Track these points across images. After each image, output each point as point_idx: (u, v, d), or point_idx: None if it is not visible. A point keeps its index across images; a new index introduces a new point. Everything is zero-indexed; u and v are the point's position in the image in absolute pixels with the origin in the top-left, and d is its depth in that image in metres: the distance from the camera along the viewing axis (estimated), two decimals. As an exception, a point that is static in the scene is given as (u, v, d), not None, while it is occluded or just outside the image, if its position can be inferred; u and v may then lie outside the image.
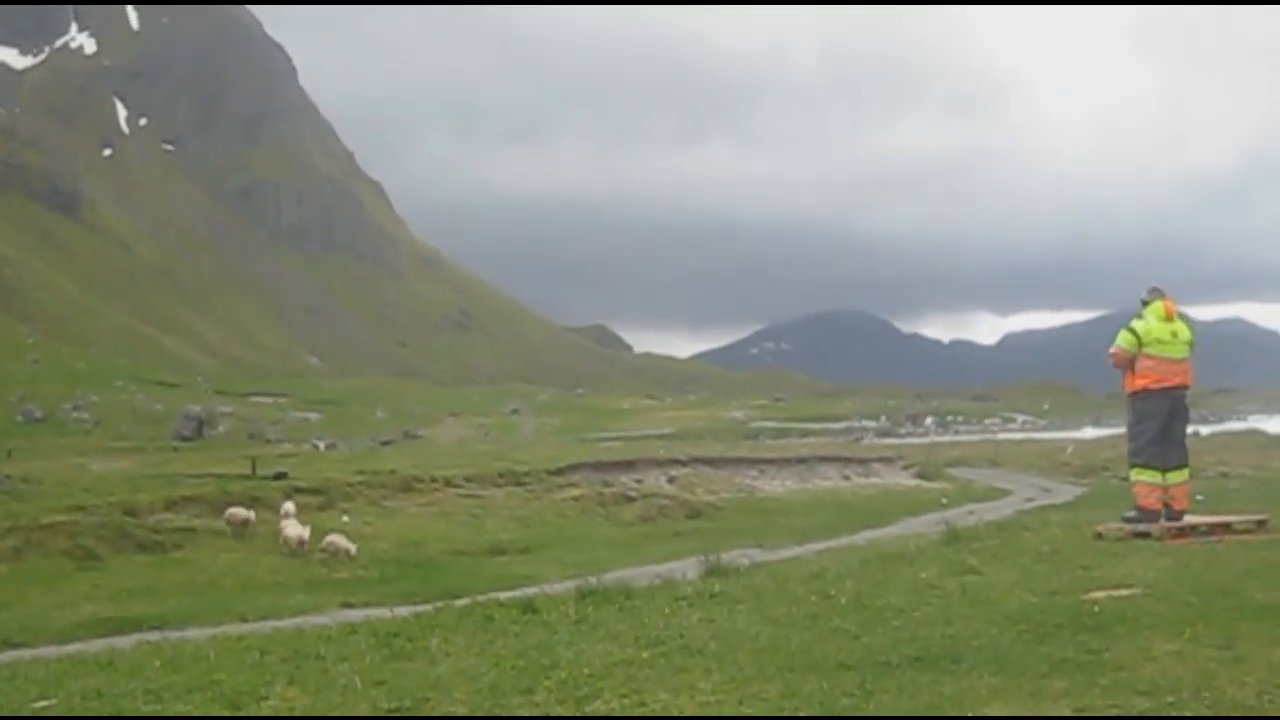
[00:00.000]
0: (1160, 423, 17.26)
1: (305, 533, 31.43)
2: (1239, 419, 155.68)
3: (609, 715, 7.78)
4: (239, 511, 31.83)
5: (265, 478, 42.82)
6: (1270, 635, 8.88)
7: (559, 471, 48.24)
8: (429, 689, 8.86)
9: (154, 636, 16.03)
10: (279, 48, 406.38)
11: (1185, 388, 17.57)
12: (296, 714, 8.39)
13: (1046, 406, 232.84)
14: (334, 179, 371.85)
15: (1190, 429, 18.44)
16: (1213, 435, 79.92)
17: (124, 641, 15.69)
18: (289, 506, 35.08)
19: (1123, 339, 17.36)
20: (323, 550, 30.89)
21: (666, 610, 12.21)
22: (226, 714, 8.48)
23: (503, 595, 16.13)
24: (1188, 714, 6.95)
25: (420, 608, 15.77)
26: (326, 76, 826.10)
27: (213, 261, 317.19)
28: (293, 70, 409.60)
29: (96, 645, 15.95)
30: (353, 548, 30.88)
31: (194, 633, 16.44)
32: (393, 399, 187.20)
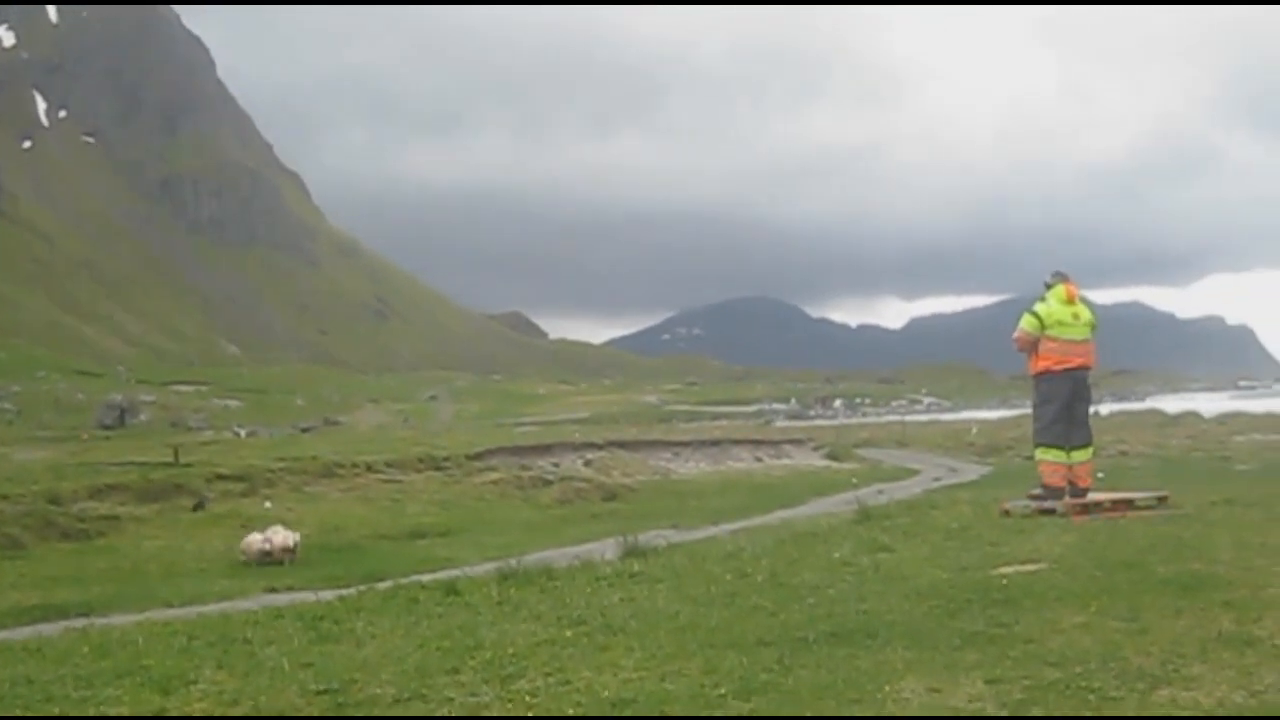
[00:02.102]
0: (1063, 403, 17.45)
1: (290, 538, 29.44)
2: (1137, 399, 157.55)
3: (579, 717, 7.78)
4: (255, 539, 29.41)
5: (187, 464, 42.46)
6: (1172, 607, 9.01)
7: (478, 456, 48.11)
8: (356, 670, 8.83)
9: (81, 623, 15.82)
10: (197, 40, 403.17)
11: (1087, 369, 17.76)
12: (226, 697, 8.35)
13: (956, 386, 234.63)
14: (252, 170, 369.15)
15: (1091, 409, 18.64)
16: (1112, 415, 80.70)
17: (51, 628, 15.51)
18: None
19: (1026, 322, 17.53)
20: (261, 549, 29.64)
21: (587, 590, 12.24)
22: (156, 698, 8.42)
23: (425, 578, 16.08)
24: (1095, 683, 7.03)
25: (344, 591, 15.70)
26: (245, 69, 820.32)
27: (133, 252, 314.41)
28: (211, 63, 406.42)
29: (23, 633, 15.76)
30: (292, 538, 29.35)
31: (120, 619, 16.28)
32: (312, 386, 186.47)
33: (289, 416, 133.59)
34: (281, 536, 27.80)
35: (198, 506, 35.74)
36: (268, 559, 26.83)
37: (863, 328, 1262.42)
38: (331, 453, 46.49)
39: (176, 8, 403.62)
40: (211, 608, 16.82)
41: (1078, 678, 7.20)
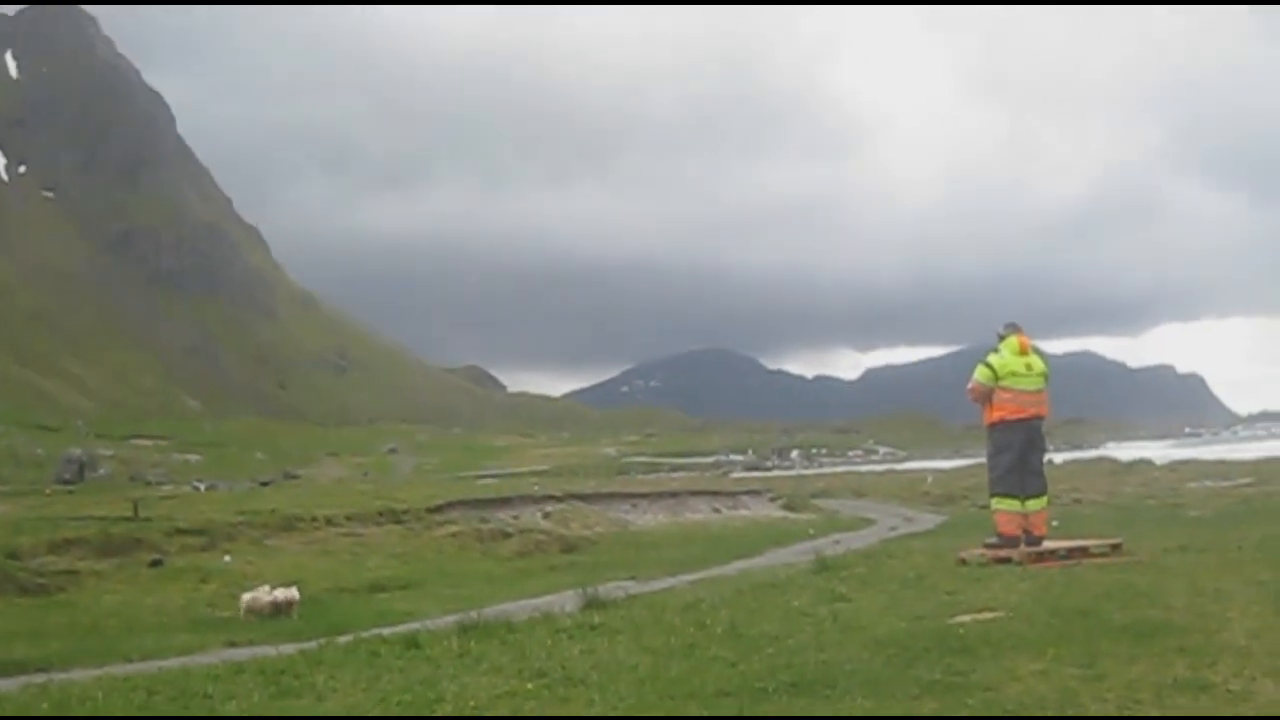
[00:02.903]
0: (1017, 452, 17.56)
1: (287, 594, 28.60)
2: (1090, 447, 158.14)
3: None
4: (260, 598, 28.42)
5: (147, 519, 42.16)
6: (1128, 653, 9.05)
7: (437, 509, 47.91)
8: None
9: (40, 679, 15.67)
10: (157, 95, 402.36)
11: (1041, 418, 17.88)
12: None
13: (908, 436, 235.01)
14: (211, 224, 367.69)
15: (1046, 457, 18.72)
16: (1065, 463, 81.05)
17: (9, 684, 15.36)
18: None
19: (979, 373, 17.64)
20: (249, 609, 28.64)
21: (548, 642, 12.21)
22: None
23: (386, 631, 16.04)
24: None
25: (305, 645, 15.60)
26: (205, 123, 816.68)
27: (92, 306, 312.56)
28: (171, 117, 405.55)
29: (-18, 688, 15.63)
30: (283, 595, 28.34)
31: (79, 674, 16.11)
32: (272, 440, 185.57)
33: (248, 470, 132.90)
34: (286, 592, 27.55)
35: (155, 563, 35.44)
36: (278, 612, 26.56)
37: (818, 379, 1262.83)
38: (291, 506, 46.25)
39: (136, 62, 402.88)
40: (172, 663, 16.70)
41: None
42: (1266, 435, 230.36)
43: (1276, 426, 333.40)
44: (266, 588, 27.62)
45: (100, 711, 10.46)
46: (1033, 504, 17.68)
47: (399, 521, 45.40)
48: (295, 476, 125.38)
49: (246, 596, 27.59)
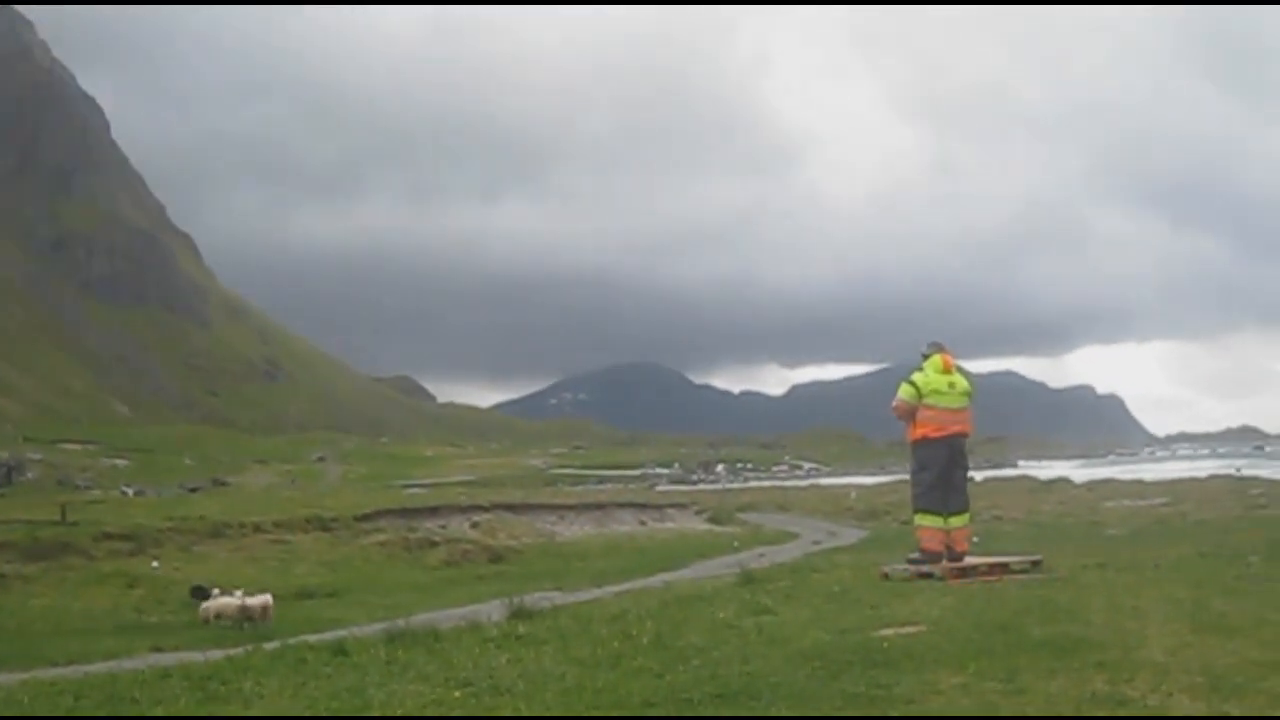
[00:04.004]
0: (940, 469, 17.62)
1: (260, 601, 27.96)
2: (1010, 466, 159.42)
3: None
4: (229, 603, 27.39)
5: (75, 523, 41.78)
6: (1048, 668, 9.08)
7: (365, 517, 47.78)
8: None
9: (-36, 682, 15.50)
10: (92, 101, 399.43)
11: (964, 436, 17.95)
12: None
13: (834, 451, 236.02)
14: (144, 231, 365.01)
15: (968, 475, 18.81)
16: (986, 481, 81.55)
17: (-66, 687, 15.19)
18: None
19: (904, 391, 17.71)
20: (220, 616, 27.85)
21: (475, 651, 12.14)
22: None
23: (313, 638, 15.90)
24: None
25: (232, 651, 15.46)
26: (139, 129, 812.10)
27: (23, 311, 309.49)
28: (105, 124, 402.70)
29: (-94, 691, 15.42)
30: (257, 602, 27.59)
31: (5, 678, 15.92)
32: (201, 447, 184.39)
33: (177, 476, 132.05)
34: (259, 599, 27.10)
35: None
36: (248, 619, 26.10)
37: (745, 394, 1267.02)
38: (219, 513, 45.97)
39: (72, 67, 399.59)
40: (98, 667, 16.52)
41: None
42: (1183, 456, 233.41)
43: (1193, 448, 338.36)
44: (240, 593, 27.25)
45: (26, 715, 10.34)
46: (955, 520, 17.75)
47: (327, 529, 45.23)
48: (224, 483, 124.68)
49: (213, 603, 27.23)
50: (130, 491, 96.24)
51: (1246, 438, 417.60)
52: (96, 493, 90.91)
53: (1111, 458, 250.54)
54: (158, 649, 21.95)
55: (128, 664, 17.07)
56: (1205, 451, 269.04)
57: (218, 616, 26.46)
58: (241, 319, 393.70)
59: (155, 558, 37.57)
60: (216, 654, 15.24)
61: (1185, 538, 28.63)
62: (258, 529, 43.28)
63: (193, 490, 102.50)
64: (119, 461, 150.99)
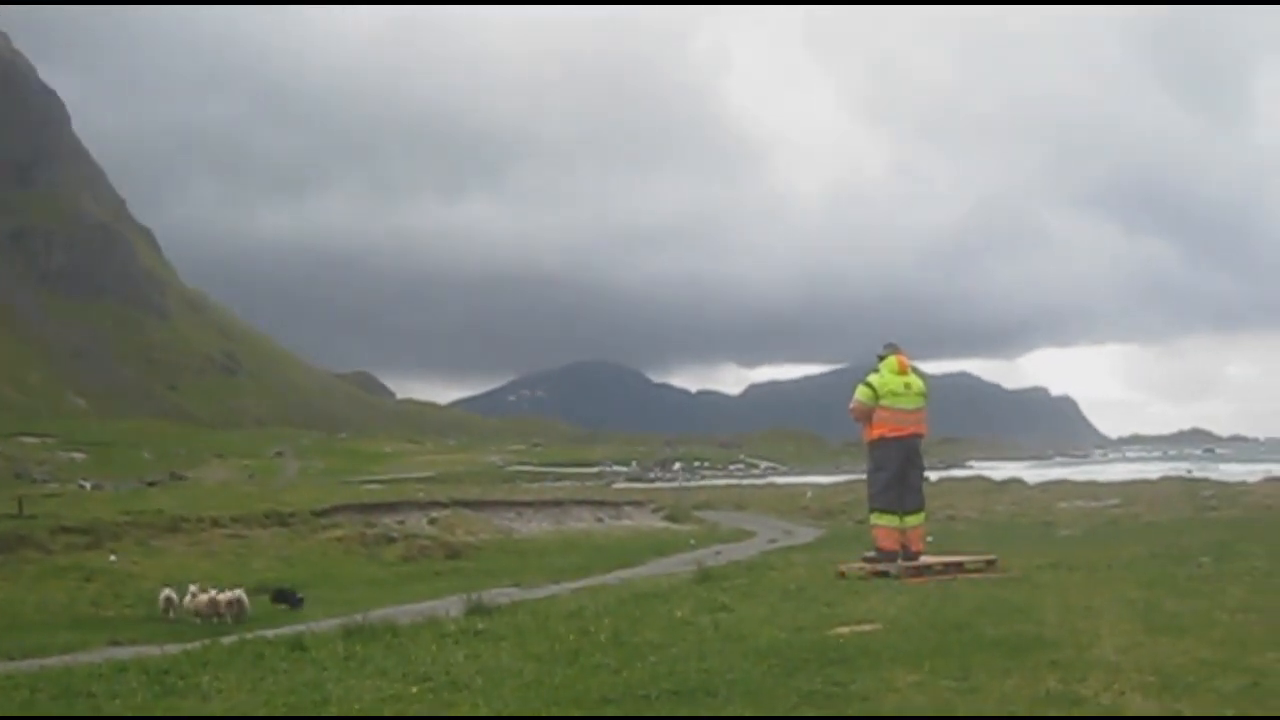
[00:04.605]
0: (896, 469, 17.66)
1: (228, 595, 27.87)
2: (965, 466, 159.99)
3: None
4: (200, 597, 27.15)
5: (32, 516, 41.55)
6: (1002, 667, 9.11)
7: (323, 513, 47.67)
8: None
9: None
10: (53, 94, 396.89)
11: (919, 436, 17.99)
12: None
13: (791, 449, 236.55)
14: (104, 224, 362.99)
15: (923, 475, 18.85)
16: (941, 481, 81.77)
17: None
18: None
19: (860, 393, 17.73)
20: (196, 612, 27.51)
21: (432, 647, 12.10)
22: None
23: (270, 633, 15.84)
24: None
25: (189, 646, 15.38)
26: (100, 123, 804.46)
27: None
28: (66, 117, 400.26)
29: None
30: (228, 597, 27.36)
31: (-40, 671, 15.86)
32: (159, 441, 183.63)
33: (135, 470, 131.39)
34: (230, 594, 26.96)
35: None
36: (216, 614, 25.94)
37: (702, 393, 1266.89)
38: (177, 507, 45.78)
39: (33, 59, 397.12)
40: (54, 661, 16.44)
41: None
42: (1131, 458, 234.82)
43: (1145, 450, 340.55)
44: (214, 590, 27.11)
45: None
46: (910, 520, 17.80)
47: (284, 524, 45.11)
48: (182, 477, 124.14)
49: (192, 598, 27.08)
50: (88, 485, 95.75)
51: (1198, 440, 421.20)
52: (54, 486, 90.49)
53: (1058, 459, 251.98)
54: (115, 643, 21.88)
55: (84, 658, 16.98)
56: (1157, 454, 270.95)
57: (197, 612, 26.40)
58: (201, 313, 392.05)
59: (112, 551, 37.42)
60: (173, 648, 15.18)
61: (1137, 538, 28.77)
62: (215, 523, 43.14)
63: (150, 484, 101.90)
64: (76, 455, 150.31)
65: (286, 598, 29.82)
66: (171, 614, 27.20)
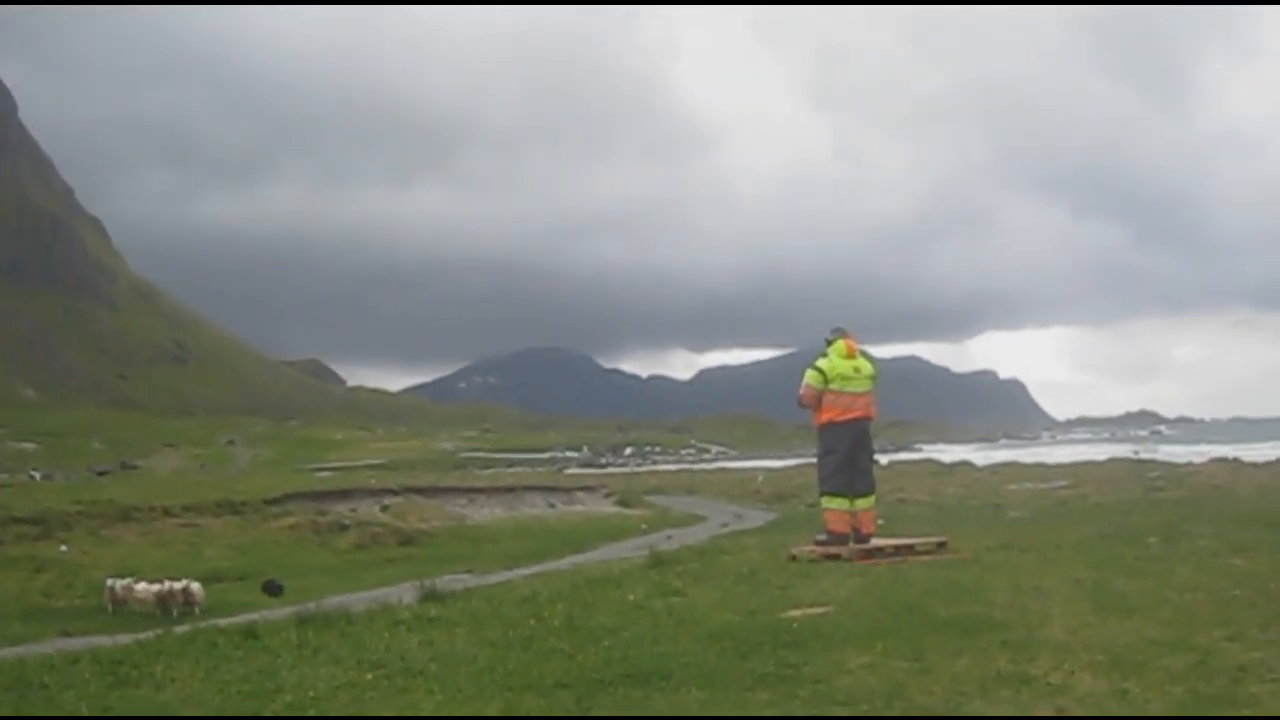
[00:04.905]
0: (845, 453, 17.69)
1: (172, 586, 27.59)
2: (914, 449, 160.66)
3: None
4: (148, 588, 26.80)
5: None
6: (953, 647, 9.18)
7: (275, 501, 47.53)
8: (156, 714, 8.64)
9: None
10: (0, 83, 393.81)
11: (869, 420, 18.04)
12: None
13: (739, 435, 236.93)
14: (52, 213, 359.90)
15: (873, 458, 18.91)
16: (891, 464, 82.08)
17: None
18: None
19: (810, 377, 17.74)
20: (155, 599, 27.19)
21: (386, 634, 12.09)
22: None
23: (223, 622, 15.77)
24: (882, 717, 7.15)
25: (141, 635, 15.29)
26: (47, 111, 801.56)
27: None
28: (14, 105, 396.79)
29: None
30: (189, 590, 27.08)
31: (-90, 663, 15.74)
32: (110, 430, 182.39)
33: (85, 460, 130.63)
34: (180, 584, 26.66)
35: None
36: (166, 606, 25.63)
37: (653, 378, 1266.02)
38: (128, 497, 45.54)
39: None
40: (5, 652, 16.30)
41: (865, 715, 7.31)
42: (1082, 440, 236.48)
43: (1092, 431, 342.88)
44: (171, 582, 26.83)
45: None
46: (861, 503, 17.84)
47: (237, 513, 44.96)
48: (133, 467, 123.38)
49: (138, 587, 26.80)
50: (38, 475, 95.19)
51: (1144, 422, 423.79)
52: (3, 477, 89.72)
53: (1004, 442, 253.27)
54: (66, 633, 21.76)
55: (35, 649, 16.89)
56: (1105, 435, 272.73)
57: (139, 601, 26.18)
58: (151, 302, 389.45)
59: (63, 542, 37.20)
60: (126, 638, 15.10)
61: (1086, 519, 28.94)
62: (167, 513, 42.95)
63: (101, 474, 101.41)
64: (26, 445, 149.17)
65: (271, 588, 30.03)
66: (112, 608, 26.86)
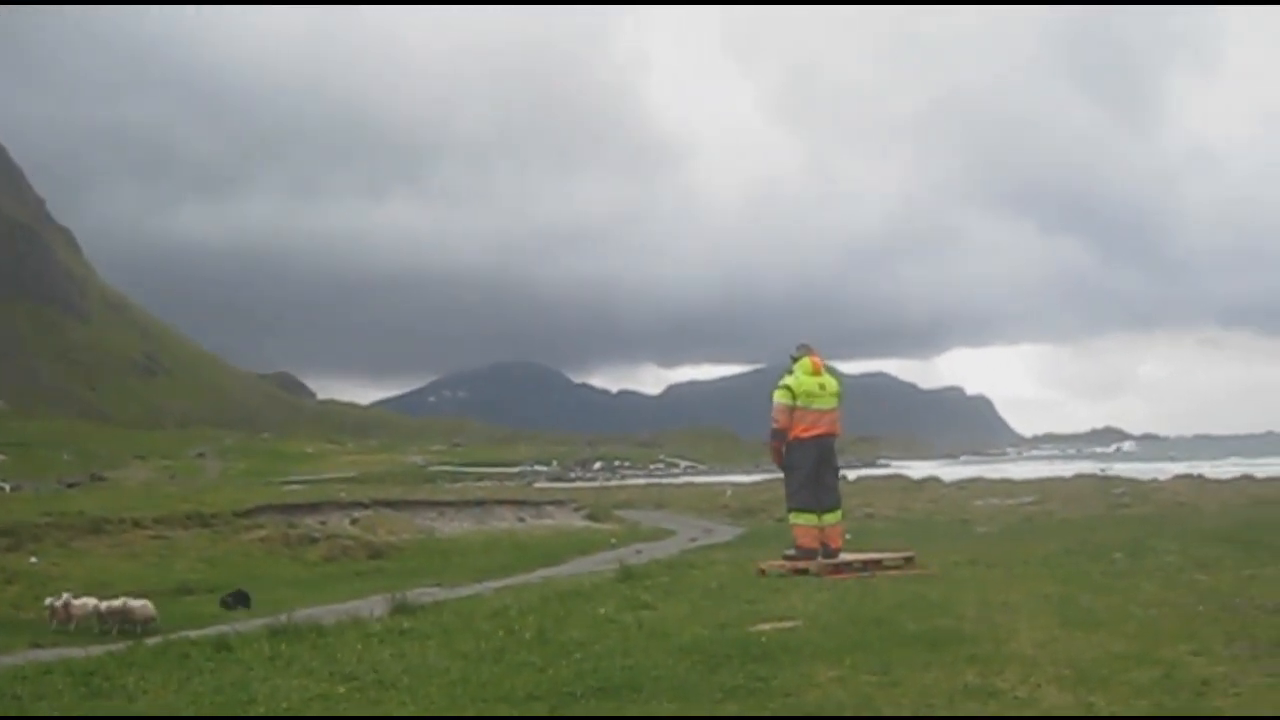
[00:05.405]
0: (810, 469, 17.74)
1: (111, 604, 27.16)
2: (882, 465, 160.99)
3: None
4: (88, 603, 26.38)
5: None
6: (921, 660, 9.23)
7: (245, 513, 47.31)
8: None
9: None
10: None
11: (833, 436, 18.10)
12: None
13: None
14: (23, 224, 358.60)
15: (839, 474, 18.97)
16: (859, 479, 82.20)
17: None
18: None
19: (779, 396, 17.78)
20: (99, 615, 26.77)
21: (358, 646, 12.11)
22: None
23: (194, 634, 15.75)
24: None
25: (113, 647, 15.26)
26: (18, 122, 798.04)
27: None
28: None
29: None
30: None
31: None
32: (80, 442, 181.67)
33: (55, 471, 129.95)
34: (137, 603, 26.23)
35: None
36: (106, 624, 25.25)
37: (623, 393, 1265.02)
38: (98, 508, 45.28)
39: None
40: (-25, 664, 16.26)
41: (834, 729, 7.37)
42: (1049, 456, 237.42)
43: (1058, 447, 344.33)
44: (123, 599, 26.46)
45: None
46: (828, 518, 17.90)
47: (207, 525, 44.75)
48: (103, 479, 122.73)
49: (76, 603, 26.42)
50: (7, 487, 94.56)
51: (1110, 438, 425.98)
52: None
53: (964, 458, 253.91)
54: (37, 645, 21.68)
55: (6, 660, 16.83)
56: (1071, 451, 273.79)
57: (75, 617, 25.81)
58: (122, 314, 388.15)
59: (33, 553, 36.98)
60: (98, 650, 15.07)
61: (1052, 535, 29.07)
62: (137, 524, 42.72)
63: (71, 485, 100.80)
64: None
65: (239, 599, 29.77)
66: (55, 624, 26.28)
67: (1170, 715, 7.46)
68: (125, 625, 25.00)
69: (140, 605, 25.83)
